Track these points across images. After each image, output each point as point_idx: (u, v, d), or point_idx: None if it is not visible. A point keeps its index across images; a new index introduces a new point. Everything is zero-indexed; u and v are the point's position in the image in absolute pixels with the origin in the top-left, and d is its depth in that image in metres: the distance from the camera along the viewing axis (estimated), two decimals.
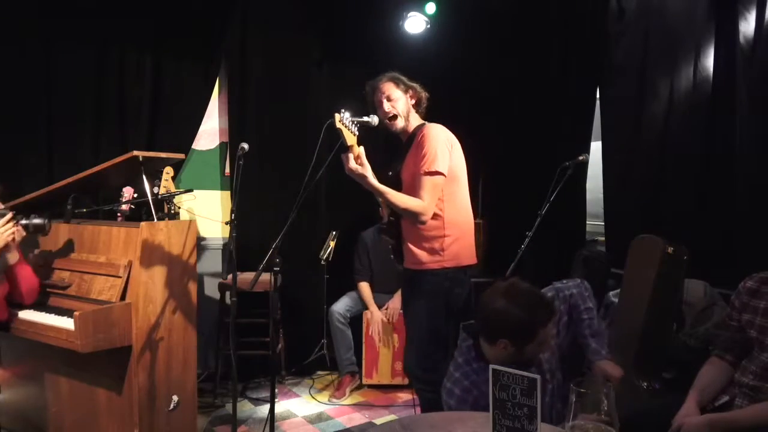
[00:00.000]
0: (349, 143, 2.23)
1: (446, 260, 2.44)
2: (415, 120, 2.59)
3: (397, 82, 2.54)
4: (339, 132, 2.19)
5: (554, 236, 3.78)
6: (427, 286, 2.45)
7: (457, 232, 2.47)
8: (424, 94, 2.59)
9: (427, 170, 2.36)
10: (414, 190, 2.40)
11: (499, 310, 1.71)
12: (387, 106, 2.52)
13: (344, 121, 2.19)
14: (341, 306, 3.84)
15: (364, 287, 3.92)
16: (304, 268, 4.08)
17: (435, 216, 2.41)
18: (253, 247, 3.79)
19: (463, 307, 2.52)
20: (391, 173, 2.56)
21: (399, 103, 2.52)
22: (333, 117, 2.17)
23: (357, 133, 2.27)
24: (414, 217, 2.38)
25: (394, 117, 2.52)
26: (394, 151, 2.75)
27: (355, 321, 3.88)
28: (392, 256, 2.65)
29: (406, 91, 2.54)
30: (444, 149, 2.41)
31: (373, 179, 2.29)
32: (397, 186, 2.49)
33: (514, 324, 1.69)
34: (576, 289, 2.00)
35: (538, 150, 4.18)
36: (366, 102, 2.61)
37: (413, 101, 2.56)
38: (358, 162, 2.26)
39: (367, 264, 3.97)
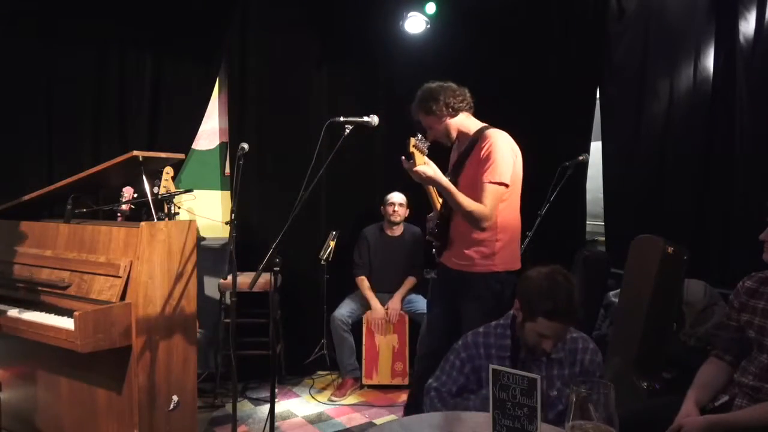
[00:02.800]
0: (420, 162, 2.26)
1: (497, 264, 2.43)
2: (472, 122, 2.54)
3: (426, 110, 2.48)
4: (410, 155, 2.22)
5: (554, 236, 3.77)
6: (479, 290, 2.42)
7: (507, 237, 2.46)
8: (451, 99, 2.47)
9: (491, 180, 2.33)
10: (472, 195, 2.36)
11: (529, 274, 1.85)
12: (430, 135, 2.51)
13: (418, 145, 2.23)
14: (343, 312, 3.84)
15: (363, 282, 3.94)
16: (304, 268, 4.07)
17: None
18: (253, 247, 3.79)
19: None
20: (449, 177, 2.50)
21: (437, 129, 2.50)
22: (408, 140, 2.21)
23: (427, 151, 2.30)
24: (475, 221, 2.34)
25: (439, 140, 2.53)
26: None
27: (356, 324, 3.88)
28: (433, 250, 2.64)
29: (433, 112, 2.48)
30: (509, 159, 2.39)
31: (442, 176, 2.29)
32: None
33: (525, 289, 1.82)
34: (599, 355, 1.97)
35: (538, 150, 4.17)
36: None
37: (448, 111, 2.48)
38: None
39: (367, 260, 3.99)
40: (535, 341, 1.79)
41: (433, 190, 2.48)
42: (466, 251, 2.45)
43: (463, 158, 2.51)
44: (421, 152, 2.27)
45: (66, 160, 3.37)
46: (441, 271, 2.63)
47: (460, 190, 2.41)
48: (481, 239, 2.42)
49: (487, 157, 2.36)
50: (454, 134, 2.54)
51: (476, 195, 2.34)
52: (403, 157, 2.25)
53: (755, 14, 3.06)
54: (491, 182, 2.34)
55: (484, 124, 2.55)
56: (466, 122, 2.53)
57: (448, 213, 2.51)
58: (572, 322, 1.77)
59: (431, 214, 2.63)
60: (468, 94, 2.54)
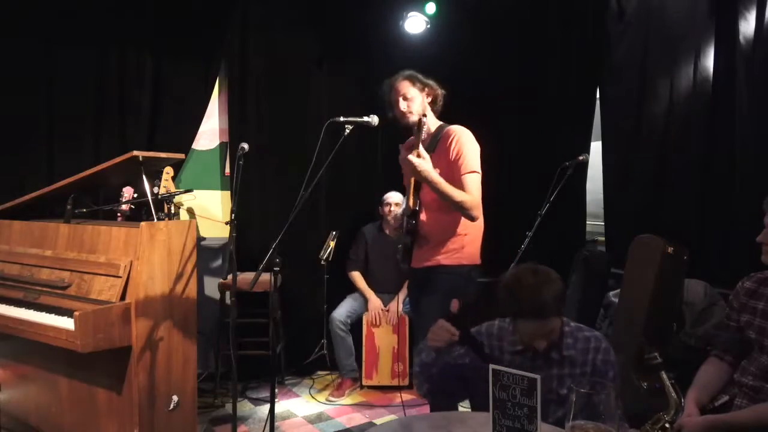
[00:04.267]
0: (418, 142, 2.37)
1: (464, 258, 2.48)
2: (432, 120, 2.59)
3: (413, 81, 2.55)
4: (417, 133, 2.38)
5: (554, 236, 3.77)
6: (442, 285, 2.46)
7: (474, 231, 2.51)
8: (440, 92, 2.59)
9: (469, 170, 2.40)
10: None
11: (501, 277, 1.83)
12: (403, 105, 2.53)
13: (422, 125, 2.36)
14: (341, 313, 3.84)
15: (357, 276, 3.96)
16: (304, 268, 4.07)
17: (458, 215, 2.44)
18: (253, 247, 3.79)
19: (472, 305, 2.52)
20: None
21: (415, 102, 2.53)
22: (420, 120, 2.38)
23: (424, 136, 2.39)
24: (466, 210, 2.39)
25: (408, 114, 2.54)
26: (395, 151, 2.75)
27: (356, 325, 3.88)
28: (399, 256, 2.62)
29: (422, 90, 2.55)
30: (477, 149, 2.47)
31: (434, 172, 2.34)
32: (418, 185, 2.50)
33: (498, 294, 1.81)
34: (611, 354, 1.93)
35: (538, 150, 4.18)
36: (383, 100, 2.61)
37: (429, 99, 2.57)
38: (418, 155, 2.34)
39: (363, 257, 4.00)
40: (527, 340, 1.80)
41: (412, 187, 2.48)
42: (435, 247, 2.48)
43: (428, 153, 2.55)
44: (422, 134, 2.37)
45: (66, 160, 3.37)
46: (410, 276, 2.64)
47: (425, 185, 2.46)
48: (450, 233, 2.46)
49: (458, 151, 2.42)
50: (422, 111, 2.56)
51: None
52: (403, 150, 2.34)
53: (755, 14, 3.07)
54: (471, 172, 2.40)
55: (441, 122, 2.61)
56: (430, 117, 2.60)
57: (419, 210, 2.53)
58: (549, 316, 1.75)
59: (402, 209, 2.65)
60: (442, 101, 2.64)
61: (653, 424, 1.51)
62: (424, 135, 2.45)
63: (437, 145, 2.51)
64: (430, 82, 2.58)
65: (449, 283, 2.45)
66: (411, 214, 2.53)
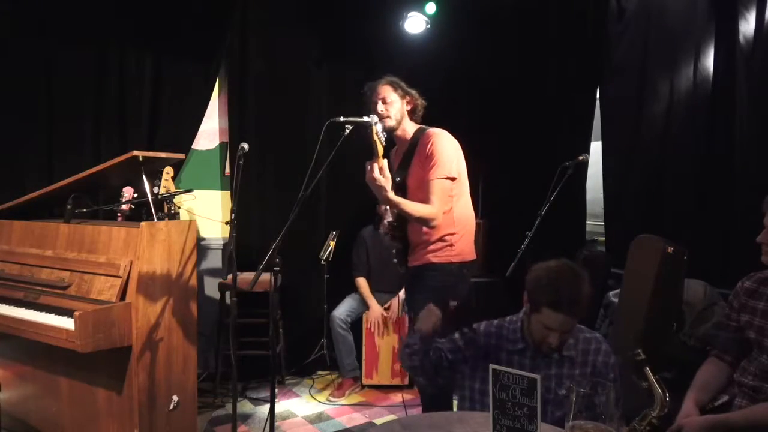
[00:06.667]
0: (379, 154, 2.32)
1: (453, 255, 2.48)
2: (411, 126, 2.62)
3: (395, 86, 2.57)
4: (373, 144, 2.30)
5: (554, 236, 3.77)
6: (432, 282, 2.48)
7: (463, 229, 2.52)
8: (420, 102, 2.61)
9: (438, 176, 2.41)
10: (421, 194, 2.44)
11: (536, 266, 1.85)
12: (380, 107, 2.55)
13: (378, 133, 2.31)
14: (342, 311, 3.85)
15: (362, 282, 3.95)
16: (304, 268, 4.07)
17: (445, 213, 2.46)
18: (253, 247, 3.79)
19: (463, 304, 2.52)
20: (398, 179, 2.57)
21: (393, 106, 2.55)
22: (369, 128, 2.30)
23: (385, 144, 2.35)
24: (425, 223, 2.43)
25: (385, 118, 2.55)
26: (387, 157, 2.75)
27: (356, 324, 3.88)
28: (395, 260, 2.66)
29: (403, 97, 2.57)
30: (453, 154, 2.47)
31: (391, 192, 2.33)
32: (402, 189, 2.52)
33: (531, 281, 1.82)
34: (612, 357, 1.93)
35: (538, 150, 4.18)
36: (364, 102, 2.62)
37: (409, 107, 2.59)
38: (381, 173, 2.31)
39: (365, 260, 4.00)
40: (542, 334, 1.78)
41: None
42: (425, 245, 2.50)
43: (408, 158, 2.56)
44: (381, 143, 2.34)
45: (66, 160, 3.37)
46: (408, 273, 2.65)
47: (409, 190, 2.50)
48: (440, 236, 2.47)
49: (431, 155, 2.43)
50: (400, 117, 2.58)
51: (424, 193, 2.41)
52: (368, 163, 2.31)
53: (755, 14, 3.06)
54: (438, 178, 2.41)
55: (420, 125, 2.62)
56: (406, 124, 2.61)
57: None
58: (577, 315, 1.75)
59: (384, 208, 2.65)
60: (422, 111, 2.65)
61: (641, 420, 1.53)
62: (383, 143, 2.40)
63: (415, 149, 2.53)
64: (412, 92, 2.60)
65: (439, 281, 2.47)
66: (397, 217, 2.56)
